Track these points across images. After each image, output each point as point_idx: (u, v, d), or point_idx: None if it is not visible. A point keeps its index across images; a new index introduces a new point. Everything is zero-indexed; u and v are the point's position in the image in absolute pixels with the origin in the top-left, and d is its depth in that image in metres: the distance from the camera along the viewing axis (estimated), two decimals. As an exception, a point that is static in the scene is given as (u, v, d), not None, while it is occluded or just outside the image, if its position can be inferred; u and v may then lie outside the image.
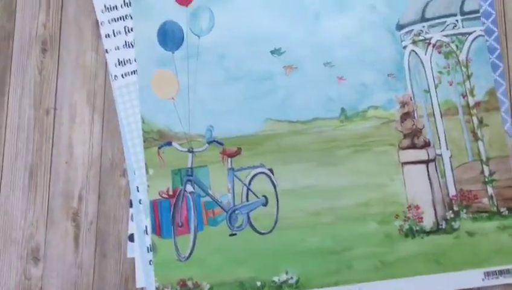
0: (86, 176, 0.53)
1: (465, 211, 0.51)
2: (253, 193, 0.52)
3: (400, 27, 0.54)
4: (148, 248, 0.51)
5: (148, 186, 0.52)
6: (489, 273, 0.50)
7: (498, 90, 0.53)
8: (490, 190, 0.52)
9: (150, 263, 0.50)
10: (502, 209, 0.51)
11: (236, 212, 0.51)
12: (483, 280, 0.49)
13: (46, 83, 0.55)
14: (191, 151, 0.52)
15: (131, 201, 0.52)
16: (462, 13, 0.54)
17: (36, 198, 0.53)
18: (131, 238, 0.52)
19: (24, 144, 0.54)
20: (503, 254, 0.50)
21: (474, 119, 0.52)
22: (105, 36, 0.55)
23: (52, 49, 0.55)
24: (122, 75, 0.54)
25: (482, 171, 0.52)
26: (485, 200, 0.51)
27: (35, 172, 0.53)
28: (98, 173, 0.53)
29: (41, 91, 0.55)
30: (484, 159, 0.52)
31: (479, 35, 0.53)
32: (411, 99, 0.52)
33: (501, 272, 0.50)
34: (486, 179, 0.52)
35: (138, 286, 0.51)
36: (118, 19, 0.55)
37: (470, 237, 0.51)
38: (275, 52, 0.53)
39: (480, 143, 0.52)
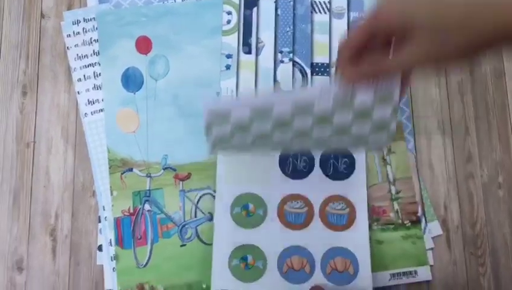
0: (61, 198, 0.61)
1: (375, 223, 0.59)
2: (201, 211, 0.60)
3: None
4: (112, 257, 0.59)
5: (113, 205, 0.60)
6: (395, 275, 0.58)
7: (403, 116, 0.62)
8: (396, 206, 0.60)
9: (113, 270, 0.58)
10: (405, 222, 0.60)
11: (186, 226, 0.59)
12: (389, 280, 0.58)
13: (26, 120, 0.63)
14: (149, 176, 0.60)
15: (99, 217, 0.60)
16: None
17: (19, 217, 0.60)
18: (100, 248, 0.59)
19: (8, 172, 0.61)
20: (406, 259, 0.59)
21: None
22: (77, 80, 0.63)
23: (31, 92, 0.63)
24: (91, 113, 0.62)
25: (390, 191, 0.60)
26: (392, 215, 0.60)
27: (18, 196, 0.61)
28: (71, 195, 0.61)
29: (22, 127, 0.62)
30: (391, 180, 0.61)
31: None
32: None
33: (404, 273, 0.58)
34: (393, 197, 0.60)
35: (106, 288, 0.58)
36: (88, 65, 0.63)
37: (379, 244, 0.59)
38: (219, 93, 0.61)
39: (388, 167, 0.61)
